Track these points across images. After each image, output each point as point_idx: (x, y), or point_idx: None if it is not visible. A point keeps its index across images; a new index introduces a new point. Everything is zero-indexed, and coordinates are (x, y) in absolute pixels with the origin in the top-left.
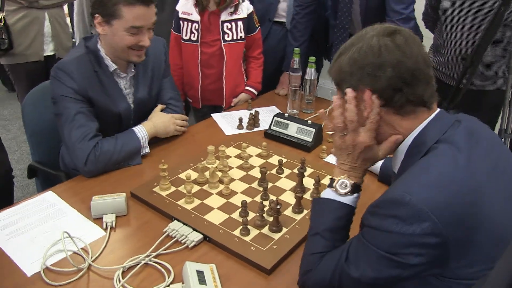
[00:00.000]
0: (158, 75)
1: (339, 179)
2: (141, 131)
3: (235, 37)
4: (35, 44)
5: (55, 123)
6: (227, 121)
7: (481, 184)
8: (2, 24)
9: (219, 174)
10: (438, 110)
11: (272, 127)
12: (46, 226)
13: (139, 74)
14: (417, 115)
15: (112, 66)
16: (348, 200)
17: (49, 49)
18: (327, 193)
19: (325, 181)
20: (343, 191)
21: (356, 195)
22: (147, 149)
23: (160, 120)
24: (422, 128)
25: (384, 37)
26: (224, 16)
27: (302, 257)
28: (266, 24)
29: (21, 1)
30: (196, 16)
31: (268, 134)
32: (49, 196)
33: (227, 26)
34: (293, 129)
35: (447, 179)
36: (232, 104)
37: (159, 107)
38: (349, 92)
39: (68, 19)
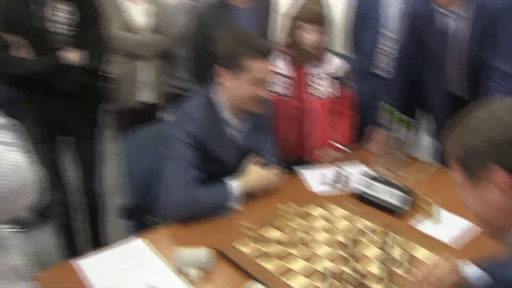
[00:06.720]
0: (264, 129)
1: None
2: (235, 187)
3: (325, 92)
4: (135, 92)
5: (152, 169)
6: (313, 177)
7: None
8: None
9: (303, 235)
10: None
11: (360, 188)
12: (131, 277)
13: (251, 125)
14: None
15: (230, 118)
16: None
17: (147, 97)
18: None
19: (415, 253)
20: None
21: None
22: (237, 205)
23: (255, 176)
24: None
25: None
26: (315, 71)
27: None
28: (362, 75)
29: (121, 52)
30: (286, 71)
31: (356, 195)
32: (137, 244)
33: (317, 81)
34: (382, 192)
35: None
36: (318, 159)
37: (255, 160)
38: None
39: None
